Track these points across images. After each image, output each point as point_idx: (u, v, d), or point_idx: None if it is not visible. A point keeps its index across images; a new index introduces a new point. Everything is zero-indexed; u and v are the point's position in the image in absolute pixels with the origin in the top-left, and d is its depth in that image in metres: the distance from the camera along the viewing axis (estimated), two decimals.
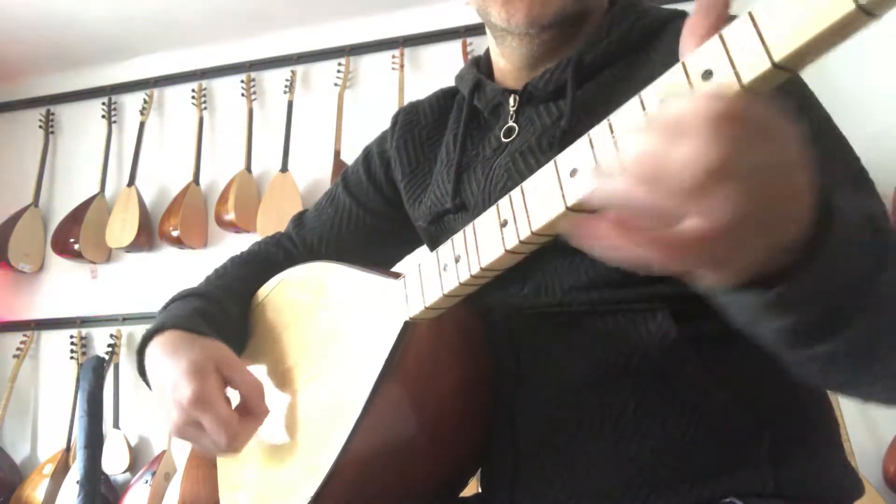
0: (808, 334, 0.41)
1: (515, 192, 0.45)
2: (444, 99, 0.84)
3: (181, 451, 2.30)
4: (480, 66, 0.79)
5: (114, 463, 2.40)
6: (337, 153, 2.45)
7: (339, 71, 2.56)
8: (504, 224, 0.46)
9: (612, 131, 0.37)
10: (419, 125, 0.83)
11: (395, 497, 0.61)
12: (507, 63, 0.74)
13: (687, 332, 0.58)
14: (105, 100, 2.85)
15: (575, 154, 0.40)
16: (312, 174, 2.52)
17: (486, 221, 0.48)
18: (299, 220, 0.89)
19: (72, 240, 2.61)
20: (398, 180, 0.82)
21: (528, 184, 0.44)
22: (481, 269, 0.48)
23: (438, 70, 2.50)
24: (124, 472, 2.42)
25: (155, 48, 2.82)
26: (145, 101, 2.77)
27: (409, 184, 0.80)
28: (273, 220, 2.38)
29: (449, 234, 0.74)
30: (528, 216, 0.43)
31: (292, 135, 2.53)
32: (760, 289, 0.38)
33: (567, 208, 0.40)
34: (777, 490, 0.56)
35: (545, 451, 0.61)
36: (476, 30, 2.43)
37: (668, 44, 0.64)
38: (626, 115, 0.37)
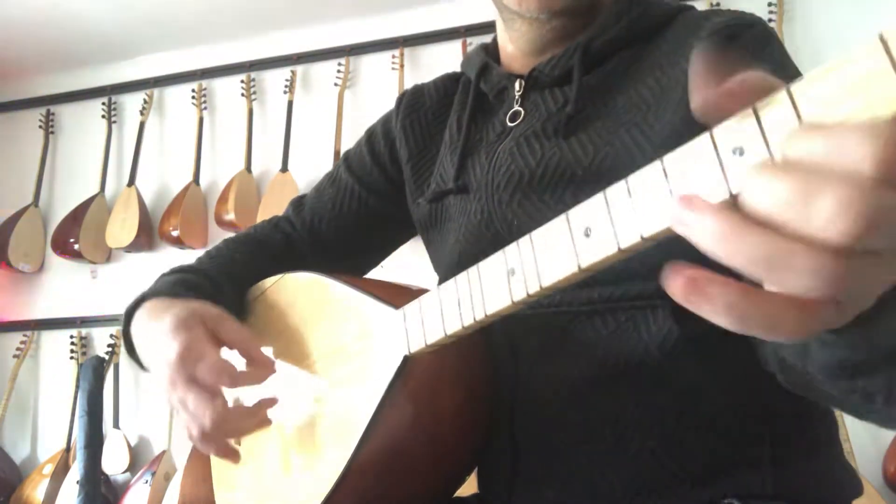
0: (854, 370, 0.37)
1: (524, 241, 0.43)
2: (450, 81, 0.84)
3: (181, 451, 2.30)
4: (488, 52, 0.78)
5: (114, 463, 2.40)
6: (337, 153, 2.45)
7: (339, 71, 2.56)
8: (511, 273, 0.44)
9: (629, 193, 0.35)
10: (424, 106, 0.82)
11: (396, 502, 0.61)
12: (515, 48, 0.73)
13: (687, 331, 0.57)
14: (105, 100, 2.85)
15: (589, 212, 0.38)
16: (312, 174, 2.52)
17: (492, 267, 0.46)
18: (299, 202, 0.88)
19: (72, 240, 2.61)
20: (403, 161, 0.81)
21: (537, 235, 0.42)
22: (486, 315, 0.47)
23: (438, 70, 2.45)
24: (124, 472, 2.42)
25: (155, 48, 2.82)
26: (145, 101, 2.77)
27: (416, 165, 0.80)
28: None
29: (445, 219, 0.74)
30: (537, 271, 0.42)
31: (292, 135, 2.53)
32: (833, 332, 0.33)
33: (580, 269, 0.38)
34: (777, 491, 0.56)
35: (544, 451, 0.61)
36: (476, 30, 2.43)
37: (676, 36, 0.64)
38: (645, 178, 0.34)
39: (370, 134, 0.87)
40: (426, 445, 0.59)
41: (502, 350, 0.64)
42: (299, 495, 0.63)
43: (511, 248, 0.44)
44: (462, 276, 0.49)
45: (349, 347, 0.64)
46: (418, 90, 0.85)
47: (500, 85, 0.73)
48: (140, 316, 0.68)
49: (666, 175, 0.33)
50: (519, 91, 0.70)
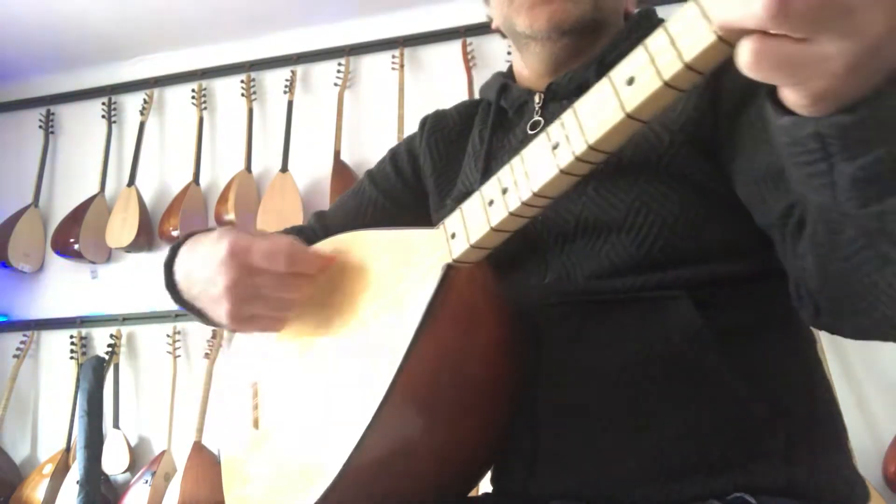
0: (881, 182, 0.39)
1: (567, 114, 0.45)
2: (470, 107, 0.91)
3: (181, 451, 2.29)
4: (506, 76, 0.85)
5: (114, 463, 2.40)
6: (337, 153, 2.45)
7: (339, 71, 2.56)
8: (556, 146, 0.45)
9: (667, 32, 0.38)
10: (447, 127, 0.89)
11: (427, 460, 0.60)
12: (530, 72, 0.81)
13: (709, 322, 0.59)
14: (105, 100, 2.85)
15: (631, 64, 0.40)
16: (312, 174, 2.52)
17: (534, 149, 0.48)
18: (321, 213, 0.93)
19: (72, 240, 2.60)
20: (427, 174, 0.87)
21: (579, 104, 0.44)
22: (533, 194, 0.47)
23: (438, 70, 2.50)
24: (124, 472, 2.42)
25: (155, 48, 2.82)
26: (145, 101, 2.77)
27: (440, 177, 0.86)
28: (273, 220, 2.38)
29: None
30: (582, 132, 0.43)
31: (292, 135, 2.53)
32: (845, 112, 0.37)
33: (627, 115, 0.40)
34: (788, 487, 0.57)
35: (563, 437, 0.62)
36: (476, 30, 2.43)
37: None
38: (682, 15, 0.37)
39: (393, 153, 0.93)
40: (465, 375, 0.58)
41: (525, 340, 0.65)
42: (326, 454, 0.60)
43: (553, 126, 0.46)
44: (504, 169, 0.50)
45: (383, 281, 0.62)
46: (441, 114, 0.92)
47: (520, 100, 0.79)
48: (197, 239, 0.73)
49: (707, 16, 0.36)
50: (539, 103, 0.76)
